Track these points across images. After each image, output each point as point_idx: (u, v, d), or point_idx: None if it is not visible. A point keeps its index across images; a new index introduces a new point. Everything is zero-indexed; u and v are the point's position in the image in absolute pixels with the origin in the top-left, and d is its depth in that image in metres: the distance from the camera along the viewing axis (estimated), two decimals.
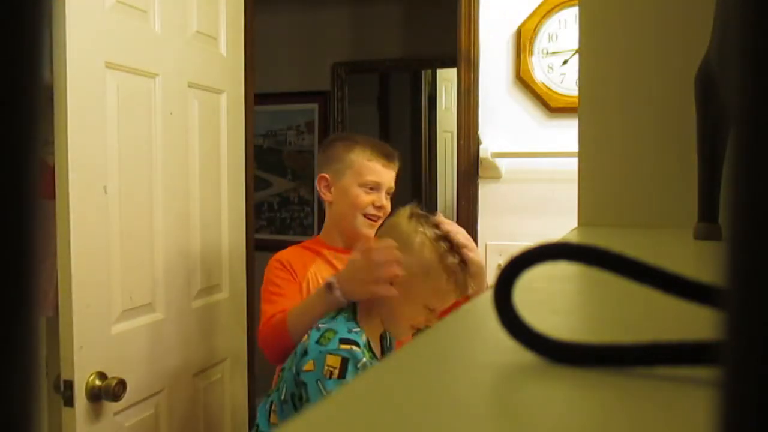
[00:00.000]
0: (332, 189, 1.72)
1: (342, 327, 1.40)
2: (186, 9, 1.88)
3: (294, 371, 1.39)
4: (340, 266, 1.68)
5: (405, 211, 1.53)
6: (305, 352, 1.37)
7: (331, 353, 1.34)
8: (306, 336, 1.42)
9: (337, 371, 1.32)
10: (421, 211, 1.53)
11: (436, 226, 1.50)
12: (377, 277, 1.41)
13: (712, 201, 0.71)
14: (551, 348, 0.26)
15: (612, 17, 0.93)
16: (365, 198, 1.69)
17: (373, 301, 1.45)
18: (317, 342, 1.37)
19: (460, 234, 1.55)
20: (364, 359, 1.34)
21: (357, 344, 1.36)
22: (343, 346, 1.34)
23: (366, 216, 1.70)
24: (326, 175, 1.73)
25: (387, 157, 1.73)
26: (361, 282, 1.42)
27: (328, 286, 1.46)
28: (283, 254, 1.70)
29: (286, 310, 1.56)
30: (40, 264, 0.12)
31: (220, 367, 2.07)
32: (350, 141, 1.77)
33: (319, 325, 1.41)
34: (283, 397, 1.42)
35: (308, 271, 1.68)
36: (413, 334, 1.53)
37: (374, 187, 1.70)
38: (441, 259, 1.45)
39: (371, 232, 1.71)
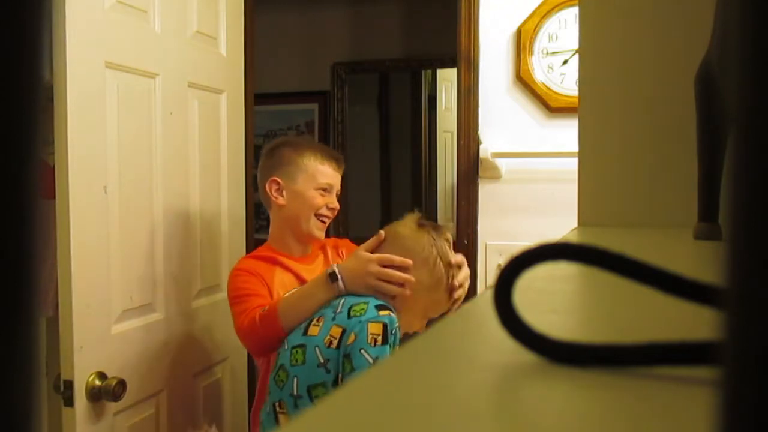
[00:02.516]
0: (284, 192, 1.75)
1: (366, 297, 1.45)
2: (186, 9, 1.88)
3: (322, 359, 1.41)
4: (302, 274, 1.73)
5: (412, 222, 1.58)
6: (344, 331, 1.40)
7: (372, 321, 1.39)
8: (317, 327, 1.45)
9: (380, 338, 1.37)
10: (429, 223, 1.61)
11: (446, 241, 1.57)
12: (388, 276, 1.48)
13: (712, 201, 0.71)
14: (551, 348, 0.26)
15: (612, 17, 0.93)
16: (320, 200, 1.75)
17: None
18: (349, 316, 1.41)
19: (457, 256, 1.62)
20: (397, 324, 1.41)
21: (391, 309, 1.43)
22: (381, 312, 1.40)
23: (318, 217, 1.75)
24: (278, 179, 1.75)
25: (337, 161, 1.80)
26: (369, 275, 1.49)
27: (331, 276, 1.50)
28: (242, 265, 1.72)
29: (263, 305, 1.58)
30: (40, 264, 0.12)
31: (220, 367, 2.07)
32: (298, 145, 1.82)
33: (336, 309, 1.44)
34: (295, 392, 1.42)
35: (274, 278, 1.69)
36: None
37: (327, 189, 1.76)
38: (448, 276, 1.54)
39: (322, 234, 1.78)
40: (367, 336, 1.37)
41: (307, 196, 1.74)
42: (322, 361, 1.41)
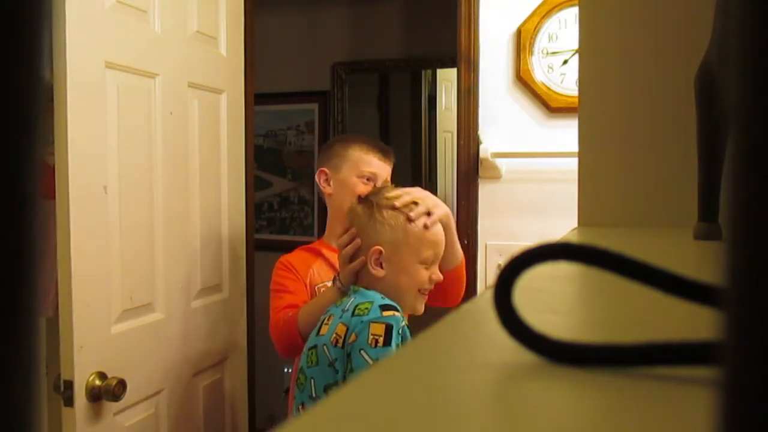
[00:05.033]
0: (331, 182, 1.85)
1: (373, 295, 1.44)
2: (186, 9, 1.88)
3: (330, 359, 1.40)
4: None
5: (356, 201, 1.61)
6: (348, 330, 1.39)
7: (375, 321, 1.36)
8: (326, 326, 1.45)
9: (382, 339, 1.34)
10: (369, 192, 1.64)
11: (386, 197, 1.57)
12: (345, 256, 1.54)
13: (712, 201, 0.71)
14: (551, 348, 0.26)
15: (612, 17, 0.93)
16: (362, 187, 1.79)
17: (372, 285, 1.51)
18: (353, 315, 1.39)
19: (407, 195, 1.60)
20: (404, 323, 1.39)
21: (396, 309, 1.40)
22: (385, 313, 1.38)
23: None
24: (325, 169, 1.86)
25: (382, 152, 1.85)
26: (342, 265, 1.57)
27: (334, 280, 1.60)
28: (287, 257, 1.82)
29: (293, 304, 1.68)
30: (40, 264, 0.12)
31: (220, 367, 2.07)
32: (348, 139, 1.93)
33: (345, 307, 1.44)
34: (313, 394, 1.42)
35: (310, 270, 1.78)
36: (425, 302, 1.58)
37: (371, 178, 1.81)
38: (407, 215, 1.52)
39: None
40: (368, 337, 1.34)
41: (349, 184, 1.81)
42: (330, 360, 1.40)
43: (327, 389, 1.41)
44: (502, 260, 1.88)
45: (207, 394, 1.99)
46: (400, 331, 1.37)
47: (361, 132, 3.83)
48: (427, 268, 1.52)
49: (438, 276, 1.55)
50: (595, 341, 0.26)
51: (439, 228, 1.54)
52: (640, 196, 0.91)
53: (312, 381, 1.43)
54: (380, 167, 1.83)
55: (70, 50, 1.43)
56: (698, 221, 0.72)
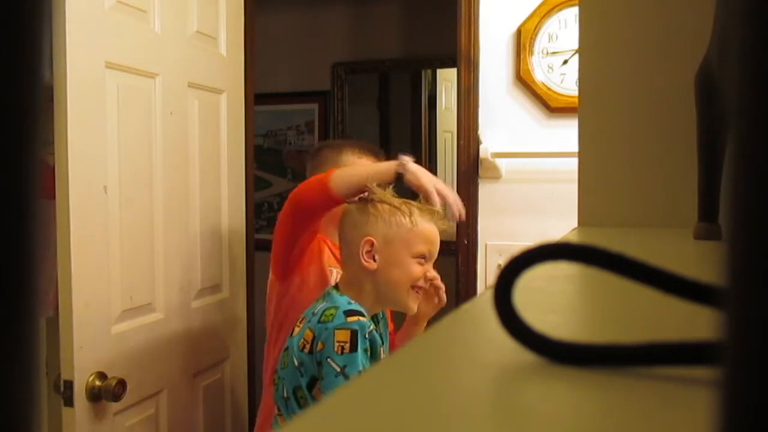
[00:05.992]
0: None
1: (340, 301, 1.43)
2: (186, 9, 1.88)
3: (297, 362, 1.41)
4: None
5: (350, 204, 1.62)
6: (315, 338, 1.39)
7: (339, 328, 1.36)
8: (298, 328, 1.45)
9: (348, 345, 1.34)
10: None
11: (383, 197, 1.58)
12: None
13: (712, 201, 0.71)
14: (551, 348, 0.26)
15: (612, 17, 0.93)
16: None
17: (363, 281, 1.50)
18: (319, 321, 1.39)
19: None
20: (371, 327, 1.38)
21: (362, 314, 1.39)
22: (350, 319, 1.37)
23: None
24: None
25: (375, 155, 1.85)
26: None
27: (401, 164, 1.59)
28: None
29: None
30: (40, 264, 0.12)
31: (220, 367, 2.07)
32: (337, 145, 1.92)
33: (315, 310, 1.44)
34: (285, 395, 1.43)
35: (324, 252, 1.74)
36: (420, 301, 1.56)
37: None
38: (396, 204, 1.52)
39: None
40: (334, 344, 1.34)
41: None
42: (296, 364, 1.41)
43: (295, 392, 1.41)
44: (502, 260, 1.88)
45: (207, 394, 1.99)
46: (366, 335, 1.36)
47: (361, 132, 3.84)
48: (421, 265, 1.51)
49: (432, 274, 1.53)
50: (595, 341, 0.26)
51: (432, 226, 1.54)
52: (640, 196, 0.90)
53: (283, 382, 1.44)
54: None
55: (70, 50, 1.43)
56: (698, 221, 0.72)
